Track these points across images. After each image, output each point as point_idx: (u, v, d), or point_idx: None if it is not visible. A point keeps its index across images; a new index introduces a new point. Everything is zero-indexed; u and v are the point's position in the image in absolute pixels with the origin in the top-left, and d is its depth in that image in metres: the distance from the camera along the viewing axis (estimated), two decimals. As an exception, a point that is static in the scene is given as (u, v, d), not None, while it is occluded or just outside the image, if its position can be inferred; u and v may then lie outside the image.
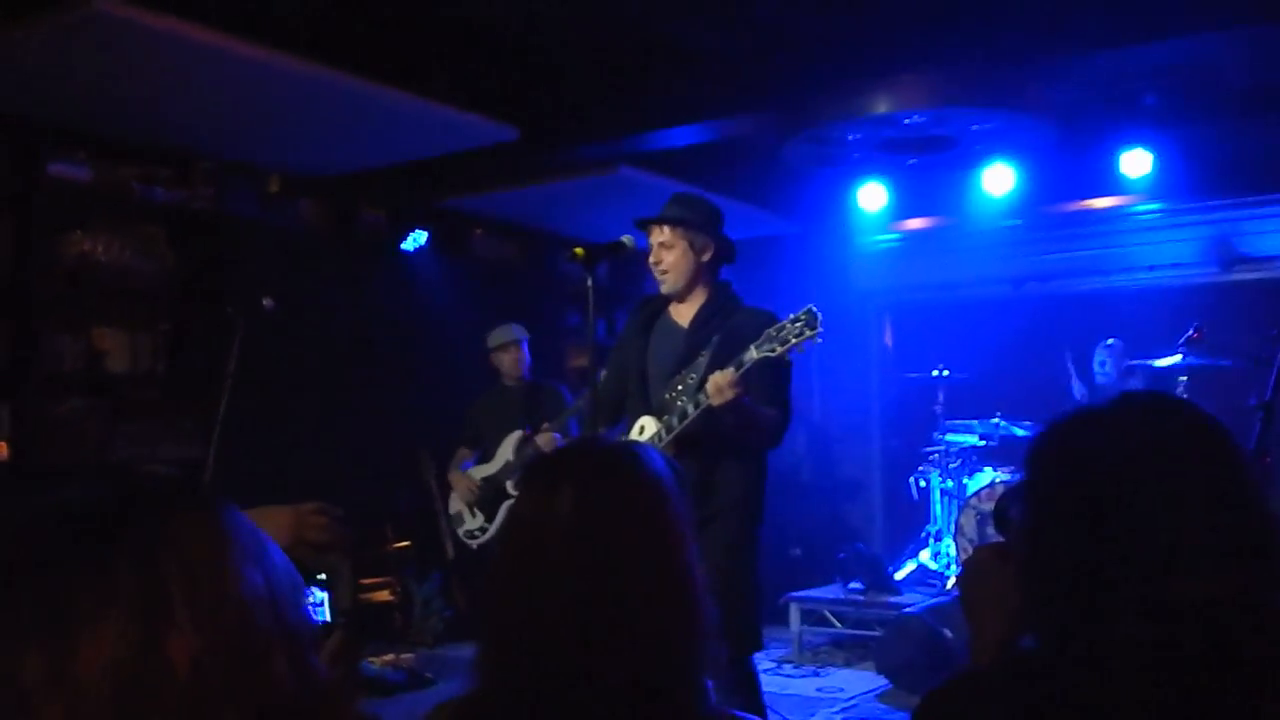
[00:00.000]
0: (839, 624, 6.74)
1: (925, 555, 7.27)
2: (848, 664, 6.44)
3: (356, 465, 6.72)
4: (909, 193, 7.48)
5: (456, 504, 6.44)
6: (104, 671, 0.85)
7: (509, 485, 6.08)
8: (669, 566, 1.38)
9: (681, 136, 6.11)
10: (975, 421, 7.20)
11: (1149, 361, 6.35)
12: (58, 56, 4.71)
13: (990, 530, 6.67)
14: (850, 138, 6.07)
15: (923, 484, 7.42)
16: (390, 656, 6.18)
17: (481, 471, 6.34)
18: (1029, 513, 1.34)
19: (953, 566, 6.96)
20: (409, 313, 7.34)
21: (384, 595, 7.01)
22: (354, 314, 6.99)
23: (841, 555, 6.94)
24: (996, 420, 7.08)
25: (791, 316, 3.42)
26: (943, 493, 7.25)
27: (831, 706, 5.57)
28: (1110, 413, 1.33)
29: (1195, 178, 6.92)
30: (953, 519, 7.04)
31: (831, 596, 6.76)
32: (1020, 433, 7.03)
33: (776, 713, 4.99)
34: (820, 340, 3.38)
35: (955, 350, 7.54)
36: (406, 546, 7.11)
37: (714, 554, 3.29)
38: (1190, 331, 6.06)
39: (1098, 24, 4.97)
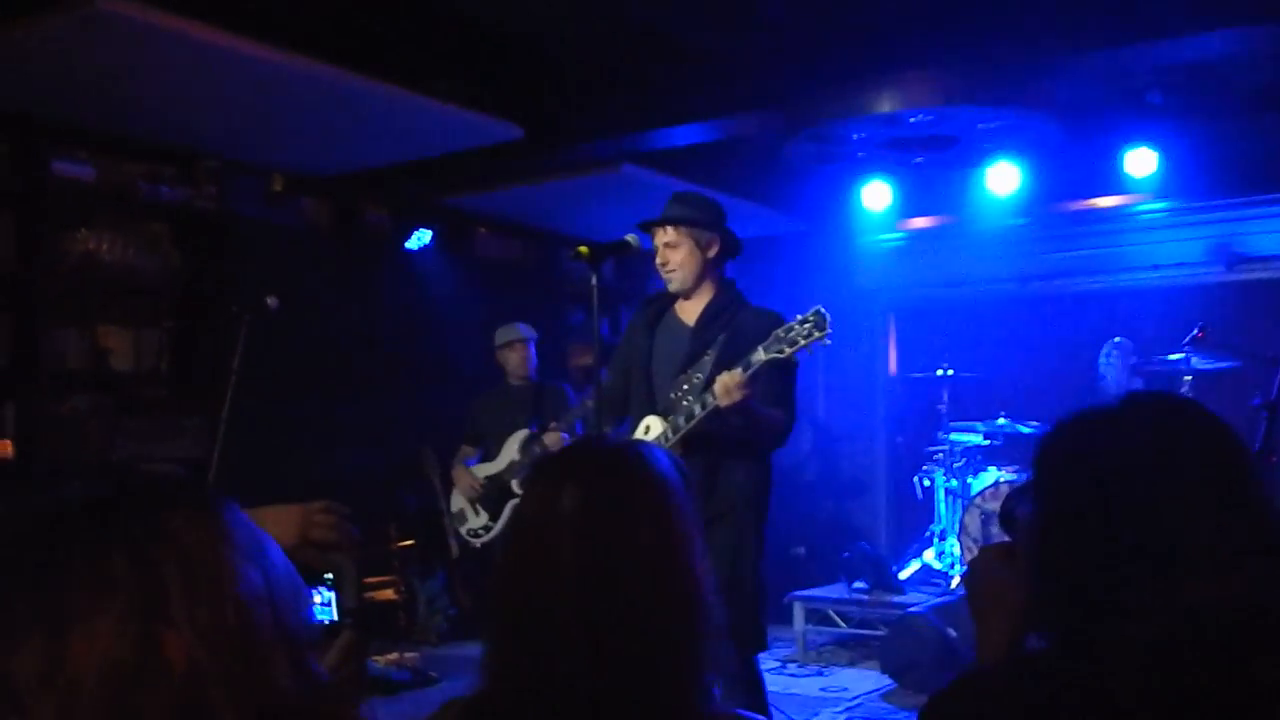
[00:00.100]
0: (843, 623, 6.74)
1: (929, 555, 7.27)
2: (852, 663, 6.44)
3: (360, 464, 6.72)
4: (913, 191, 7.47)
5: (459, 501, 6.43)
6: (98, 669, 0.85)
7: (514, 484, 6.08)
8: (674, 566, 1.38)
9: (685, 135, 6.10)
10: (980, 421, 7.19)
11: (1154, 361, 6.33)
12: (61, 55, 4.71)
13: (994, 530, 6.66)
14: (854, 136, 6.07)
15: (927, 483, 7.41)
16: (394, 655, 6.18)
17: (485, 469, 6.34)
18: (1036, 512, 1.33)
19: (957, 566, 6.95)
20: (413, 311, 7.35)
21: (388, 594, 7.01)
22: (358, 313, 7.00)
23: (846, 554, 6.93)
24: (1001, 419, 7.07)
25: (800, 318, 3.41)
26: (947, 492, 7.25)
27: (836, 706, 5.56)
28: (1117, 413, 1.32)
29: (1201, 177, 6.91)
30: (957, 518, 7.03)
31: (836, 596, 6.76)
32: (1025, 432, 7.02)
33: (781, 712, 4.99)
34: (829, 342, 3.38)
35: (960, 349, 7.54)
36: (410, 545, 7.12)
37: (719, 554, 3.28)
38: (1195, 331, 6.05)
39: (1103, 22, 4.96)
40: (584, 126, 6.12)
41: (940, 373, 7.36)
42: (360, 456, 6.77)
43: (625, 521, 1.38)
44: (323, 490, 1.92)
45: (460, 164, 6.36)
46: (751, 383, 3.44)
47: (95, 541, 0.89)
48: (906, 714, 5.32)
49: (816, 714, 5.43)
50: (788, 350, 3.40)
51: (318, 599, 1.63)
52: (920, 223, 8.16)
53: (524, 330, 6.48)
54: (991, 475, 7.02)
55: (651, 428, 3.69)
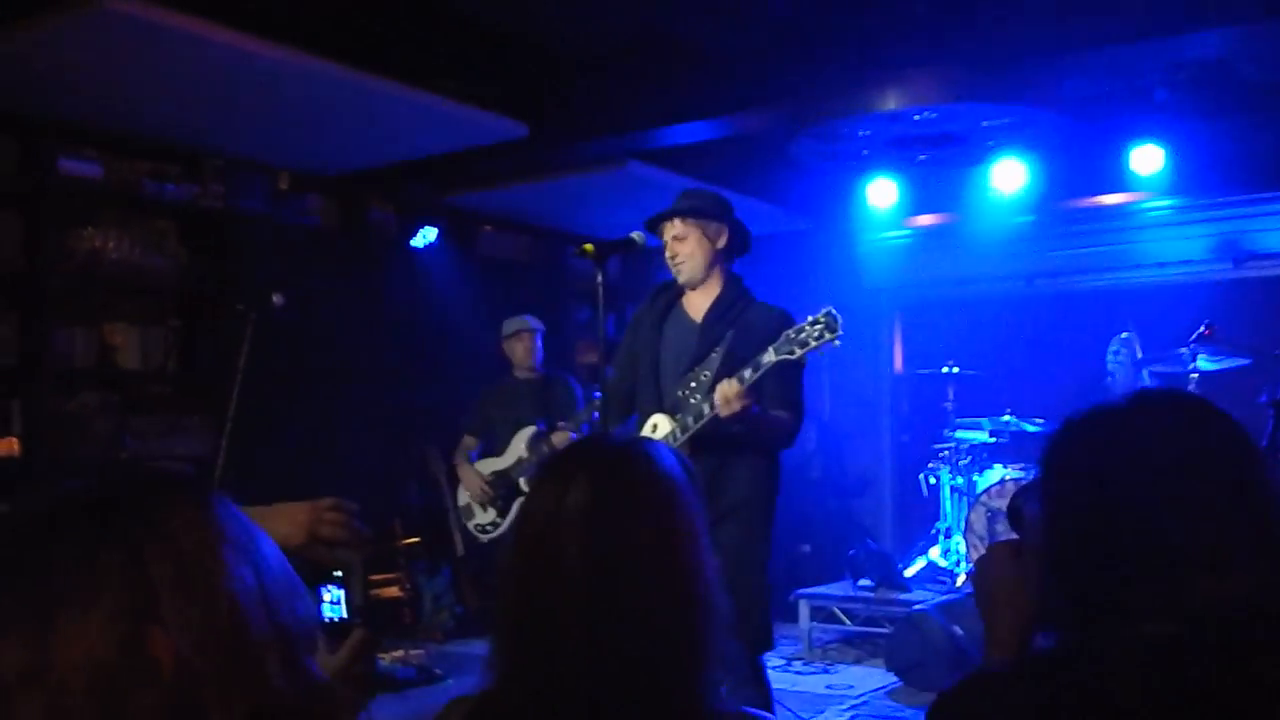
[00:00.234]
0: (848, 621, 6.74)
1: (935, 552, 7.26)
2: (857, 661, 6.44)
3: (366, 461, 6.74)
4: (919, 189, 7.46)
5: (465, 496, 6.43)
6: (85, 668, 0.84)
7: (521, 482, 6.08)
8: (680, 563, 1.38)
9: (691, 132, 6.10)
10: (985, 418, 7.18)
11: (1161, 357, 6.32)
12: (68, 53, 4.71)
13: (1000, 527, 6.65)
14: (860, 134, 6.06)
15: (933, 481, 7.41)
16: (400, 653, 6.19)
17: (491, 465, 6.34)
18: (1045, 510, 1.33)
19: (962, 564, 6.94)
20: (418, 309, 7.35)
21: (393, 591, 7.01)
22: (363, 310, 7.00)
23: (851, 552, 6.93)
24: (1007, 417, 7.06)
25: (810, 319, 3.40)
26: (953, 489, 7.24)
27: (841, 704, 5.56)
28: (1126, 410, 1.32)
29: (1207, 174, 6.90)
30: (963, 516, 7.02)
31: (841, 593, 6.75)
32: (1030, 429, 7.01)
33: (786, 710, 4.99)
34: (839, 344, 3.37)
35: (965, 347, 7.53)
36: (416, 542, 7.12)
37: (726, 552, 3.28)
38: (1201, 328, 6.04)
39: (1109, 19, 4.95)
40: (589, 124, 6.12)
41: (946, 370, 7.36)
42: (365, 454, 6.78)
43: (631, 519, 1.38)
44: (328, 487, 1.92)
45: (465, 162, 6.36)
46: (752, 392, 3.44)
47: (85, 539, 0.88)
48: (912, 712, 5.31)
49: (822, 712, 5.43)
50: (798, 352, 3.39)
51: (327, 597, 1.63)
52: (926, 220, 8.15)
53: (531, 321, 6.48)
54: (997, 473, 7.01)
55: (659, 426, 3.68)
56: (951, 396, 7.37)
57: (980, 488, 7.00)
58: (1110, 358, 6.82)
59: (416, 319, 7.32)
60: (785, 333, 3.43)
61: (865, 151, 6.40)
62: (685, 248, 3.75)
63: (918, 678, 5.59)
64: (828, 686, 5.90)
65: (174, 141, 6.05)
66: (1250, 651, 1.16)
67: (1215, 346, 6.04)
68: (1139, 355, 6.63)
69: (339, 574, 1.64)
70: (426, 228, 7.37)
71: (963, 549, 6.97)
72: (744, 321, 3.68)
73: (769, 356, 3.43)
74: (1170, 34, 4.89)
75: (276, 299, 5.17)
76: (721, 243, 3.77)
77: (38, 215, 5.64)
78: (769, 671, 3.82)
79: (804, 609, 6.72)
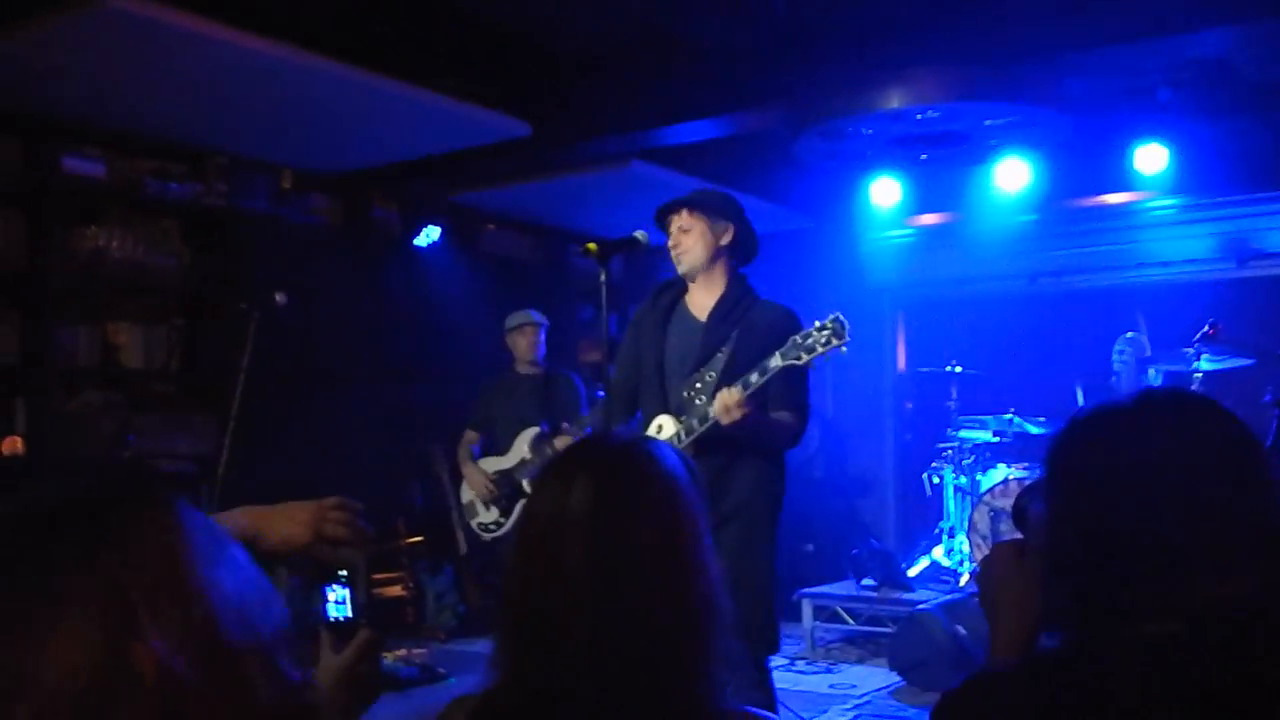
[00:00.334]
0: (852, 620, 6.73)
1: (938, 552, 7.26)
2: (860, 661, 6.43)
3: (369, 460, 6.74)
4: (923, 188, 7.46)
5: (469, 494, 6.43)
6: (67, 686, 0.82)
7: (525, 483, 6.08)
8: (683, 562, 1.38)
9: (694, 131, 6.10)
10: (989, 417, 7.18)
11: (1165, 357, 6.31)
12: (71, 52, 4.72)
13: (1003, 527, 6.65)
14: (863, 133, 6.06)
15: (936, 480, 7.40)
16: (403, 652, 6.19)
17: (495, 464, 6.33)
18: (1049, 510, 1.33)
19: (966, 563, 6.94)
20: (421, 308, 7.35)
21: (397, 590, 7.01)
22: (366, 309, 7.01)
23: (854, 551, 6.93)
24: (1010, 416, 7.06)
25: (818, 324, 3.39)
26: (956, 489, 7.23)
27: (844, 703, 5.55)
28: (1131, 410, 1.32)
29: (1211, 173, 6.89)
30: (966, 515, 7.02)
31: (844, 593, 6.75)
32: (1034, 429, 7.01)
33: (789, 709, 4.99)
34: (846, 351, 3.37)
35: (969, 346, 7.53)
36: (419, 541, 7.12)
37: (731, 554, 3.27)
38: (1205, 328, 6.03)
39: (1112, 18, 4.94)
40: (592, 123, 6.12)
41: (949, 369, 7.36)
42: (368, 452, 6.79)
43: (634, 518, 1.38)
44: (331, 486, 1.92)
45: (468, 161, 6.37)
46: (755, 397, 3.43)
47: (54, 554, 0.87)
48: (915, 711, 5.31)
49: (825, 711, 5.43)
50: (805, 357, 3.39)
51: (332, 596, 1.63)
52: (929, 219, 8.15)
53: (535, 316, 6.46)
54: (1001, 472, 7.01)
55: (664, 427, 3.67)
56: (955, 396, 7.36)
57: (983, 487, 7.00)
58: (1115, 356, 6.81)
59: (419, 318, 7.32)
60: (792, 338, 3.42)
61: (869, 150, 6.40)
62: (688, 239, 3.74)
63: (921, 677, 5.59)
64: (831, 686, 5.90)
65: (177, 140, 6.05)
66: (1253, 652, 1.15)
67: (1219, 346, 6.03)
68: (1145, 354, 6.63)
69: (344, 573, 1.63)
70: (429, 227, 7.37)
71: (966, 549, 6.96)
72: (748, 320, 3.67)
73: (776, 362, 3.43)
74: (1174, 33, 4.89)
75: (279, 298, 5.18)
76: (725, 240, 3.76)
77: (41, 214, 5.64)
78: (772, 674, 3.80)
79: (807, 608, 6.72)
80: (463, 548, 7.01)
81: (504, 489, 6.25)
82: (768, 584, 3.65)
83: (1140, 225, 7.57)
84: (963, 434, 7.24)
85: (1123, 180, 7.07)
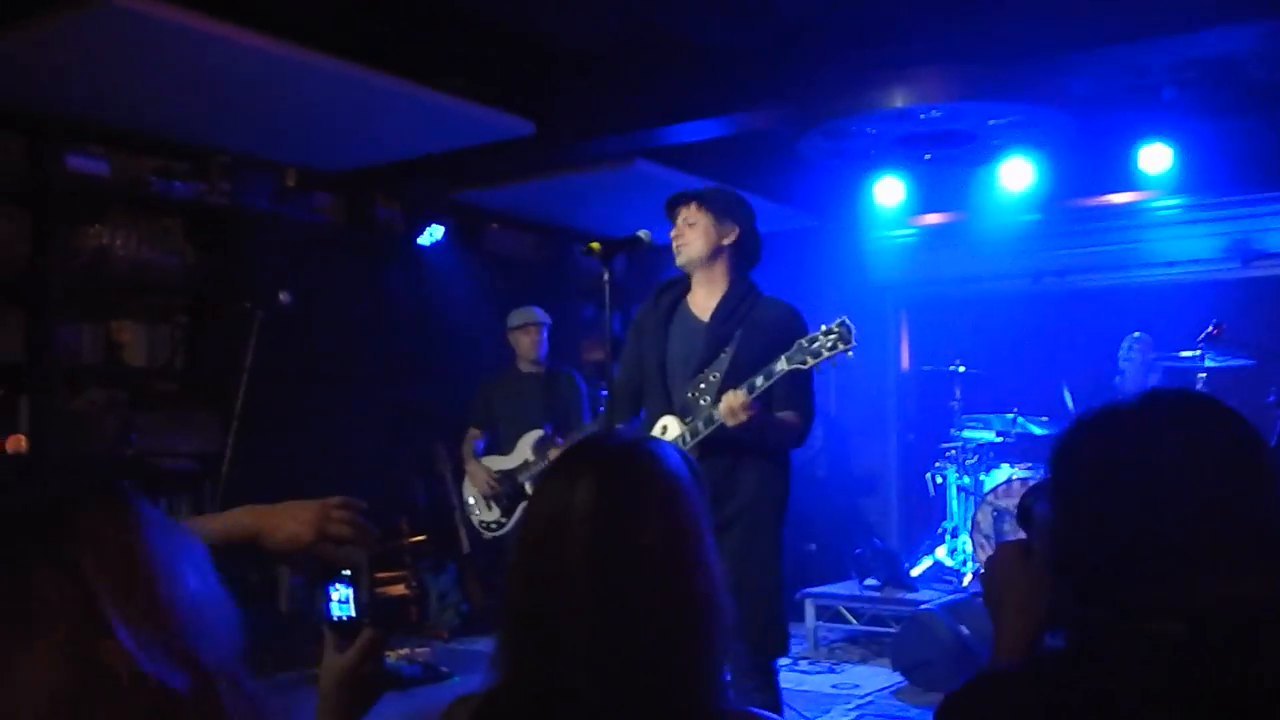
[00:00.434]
0: (855, 620, 6.73)
1: (941, 552, 7.25)
2: (863, 660, 6.43)
3: (372, 458, 6.74)
4: (926, 187, 7.46)
5: (471, 491, 6.43)
6: (45, 698, 0.81)
7: (526, 485, 6.08)
8: (685, 562, 1.38)
9: (698, 131, 6.10)
10: (992, 417, 7.17)
11: (1170, 357, 6.31)
12: (75, 51, 4.72)
13: (1006, 527, 6.65)
14: (867, 132, 6.05)
15: (939, 480, 7.40)
16: (406, 651, 6.19)
17: (498, 463, 6.33)
18: (1053, 510, 1.33)
19: (969, 563, 6.94)
20: (424, 307, 7.35)
21: (399, 589, 6.99)
22: (370, 308, 7.01)
23: (858, 551, 6.92)
24: (1013, 416, 7.05)
25: (824, 328, 3.39)
26: (959, 489, 7.23)
27: (847, 703, 5.55)
28: (1137, 410, 1.31)
29: (1215, 173, 6.88)
30: (969, 515, 7.01)
31: (847, 593, 6.74)
32: (1037, 429, 7.00)
33: (792, 709, 4.98)
34: (852, 355, 3.36)
35: (972, 345, 7.52)
36: (422, 540, 7.12)
37: (735, 555, 3.26)
38: (1209, 328, 6.03)
39: (1116, 18, 4.94)
40: (596, 122, 6.12)
41: (953, 369, 7.35)
42: (371, 451, 6.79)
43: (636, 518, 1.38)
44: (334, 484, 1.92)
45: (472, 159, 6.37)
46: (760, 398, 3.42)
47: (15, 567, 0.86)
48: (918, 711, 5.30)
49: (828, 711, 5.42)
50: (811, 361, 3.39)
51: (335, 595, 1.62)
52: (933, 218, 8.14)
53: (539, 314, 6.42)
54: (1004, 472, 7.01)
55: (669, 429, 3.66)
56: (958, 395, 7.36)
57: (987, 487, 7.00)
58: (1122, 356, 6.81)
59: (422, 317, 7.32)
60: (798, 342, 3.42)
61: (873, 150, 6.39)
62: (691, 233, 3.73)
63: (923, 677, 5.58)
64: (833, 686, 5.90)
65: (181, 139, 6.05)
66: (1258, 652, 1.15)
67: (1223, 346, 6.03)
68: (1149, 355, 6.62)
69: (347, 573, 1.63)
70: (433, 226, 7.37)
71: (969, 548, 6.96)
72: (752, 319, 3.66)
73: (781, 366, 3.42)
74: (1177, 33, 4.88)
75: (283, 296, 5.18)
76: (728, 241, 3.74)
77: (45, 213, 5.65)
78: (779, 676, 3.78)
79: (810, 608, 6.71)
80: (466, 546, 7.01)
81: (506, 488, 6.25)
82: (773, 586, 3.62)
83: (1144, 225, 7.57)
84: (966, 434, 7.24)
85: (1127, 180, 7.06)
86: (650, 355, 3.81)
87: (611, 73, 5.82)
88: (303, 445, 6.15)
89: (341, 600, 1.62)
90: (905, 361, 8.59)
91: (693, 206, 3.75)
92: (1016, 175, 6.86)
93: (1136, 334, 6.77)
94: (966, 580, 6.78)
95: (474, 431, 6.48)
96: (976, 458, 7.18)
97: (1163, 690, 1.15)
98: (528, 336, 6.38)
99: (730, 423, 3.40)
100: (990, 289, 8.03)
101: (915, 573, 7.06)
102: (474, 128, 5.83)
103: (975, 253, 7.99)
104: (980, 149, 6.37)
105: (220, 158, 6.28)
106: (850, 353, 3.36)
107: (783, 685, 3.75)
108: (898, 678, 5.81)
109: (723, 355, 3.62)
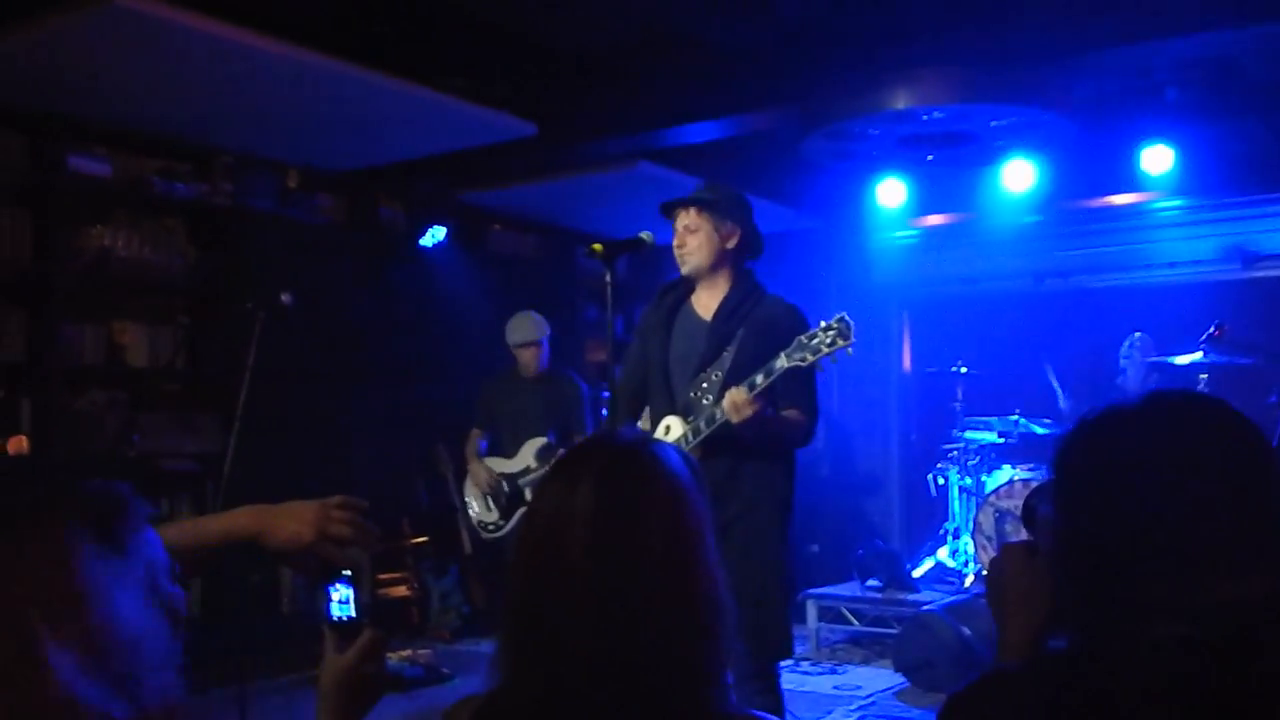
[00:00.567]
0: (856, 621, 6.73)
1: (943, 553, 7.25)
2: (865, 661, 6.43)
3: (374, 459, 6.75)
4: (928, 188, 7.46)
5: (472, 490, 6.43)
6: None
7: (527, 492, 6.08)
8: (686, 563, 1.38)
9: (701, 132, 6.10)
10: (994, 418, 7.17)
11: (1171, 358, 6.30)
12: (77, 51, 4.72)
13: (1008, 528, 6.64)
14: (870, 133, 6.05)
15: (941, 481, 7.40)
16: (407, 652, 6.19)
17: (500, 465, 6.33)
18: (1057, 511, 1.32)
19: (971, 564, 6.93)
20: (427, 307, 7.36)
21: (401, 590, 7.02)
22: (372, 308, 7.01)
23: (859, 552, 6.92)
24: (1015, 417, 7.05)
25: (824, 325, 3.37)
26: (961, 490, 7.23)
27: (849, 704, 5.55)
28: (1141, 411, 1.31)
29: (1218, 174, 6.88)
30: (971, 516, 7.01)
31: (849, 594, 6.75)
32: (1039, 430, 7.00)
33: (792, 715, 4.98)
34: (852, 352, 3.35)
35: (974, 346, 7.52)
36: (424, 541, 7.13)
37: (738, 555, 3.24)
38: (1211, 329, 6.02)
39: (1119, 19, 4.94)
40: (598, 123, 6.12)
41: (955, 370, 7.35)
42: (374, 452, 6.79)
43: (637, 519, 1.38)
44: (336, 486, 1.92)
45: (475, 160, 6.37)
46: (762, 396, 3.40)
47: None
48: (920, 712, 5.30)
49: (830, 712, 5.42)
50: (811, 358, 3.37)
51: (336, 595, 1.62)
52: (935, 220, 8.14)
53: (536, 330, 6.34)
54: (1006, 473, 7.00)
55: (672, 429, 3.65)
56: (960, 396, 7.36)
57: (989, 488, 6.99)
58: (1123, 356, 6.81)
59: (425, 317, 7.32)
60: (798, 338, 3.40)
61: (875, 151, 6.39)
62: (694, 240, 3.71)
63: (925, 678, 5.58)
64: (835, 687, 5.89)
65: (183, 139, 6.06)
66: (1263, 653, 1.15)
67: (1225, 347, 6.03)
68: (1150, 356, 6.62)
69: (348, 573, 1.63)
70: (435, 227, 7.37)
71: (971, 549, 6.96)
72: (755, 318, 3.64)
73: (781, 363, 3.40)
74: (1179, 34, 4.88)
75: (285, 297, 5.17)
76: (731, 243, 3.73)
77: (47, 213, 5.65)
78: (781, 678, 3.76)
79: (812, 609, 6.71)
80: (468, 548, 7.02)
81: (507, 490, 6.25)
82: (776, 588, 3.57)
83: (1146, 226, 7.57)
84: (968, 434, 7.24)
85: (1129, 181, 7.06)
86: (654, 355, 3.80)
87: (614, 74, 5.82)
88: (305, 446, 6.16)
89: (341, 600, 1.62)
90: (907, 362, 8.59)
91: (691, 212, 3.72)
92: (1019, 176, 6.86)
93: (1137, 334, 6.77)
94: (968, 581, 6.78)
95: (476, 432, 6.48)
96: (978, 459, 7.18)
97: (1165, 690, 1.15)
98: (527, 352, 6.35)
99: (735, 419, 3.38)
100: (992, 290, 8.02)
101: (917, 574, 7.07)
102: (476, 128, 5.83)
103: (977, 254, 7.99)
104: (982, 150, 6.37)
105: (223, 158, 6.28)
106: (850, 349, 3.34)
107: (784, 687, 3.74)
108: (900, 679, 5.81)
109: (724, 354, 3.61)
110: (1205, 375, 6.08)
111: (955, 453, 7.29)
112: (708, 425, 3.53)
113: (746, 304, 3.70)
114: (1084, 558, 1.27)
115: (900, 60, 5.39)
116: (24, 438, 5.49)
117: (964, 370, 7.33)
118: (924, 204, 7.68)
